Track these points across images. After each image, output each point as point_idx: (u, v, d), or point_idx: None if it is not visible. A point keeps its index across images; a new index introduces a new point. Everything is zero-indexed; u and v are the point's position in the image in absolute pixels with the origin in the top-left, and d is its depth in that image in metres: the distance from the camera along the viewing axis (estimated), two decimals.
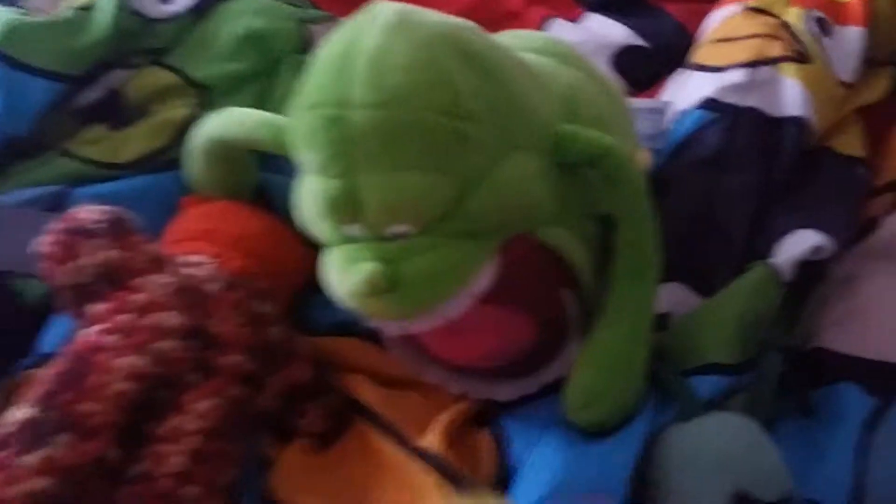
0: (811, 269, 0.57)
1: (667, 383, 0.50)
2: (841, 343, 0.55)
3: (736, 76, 0.65)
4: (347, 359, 0.55)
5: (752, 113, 0.63)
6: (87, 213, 0.51)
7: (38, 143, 0.66)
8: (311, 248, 0.50)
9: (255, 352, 0.50)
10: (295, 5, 0.74)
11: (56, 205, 0.60)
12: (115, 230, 0.50)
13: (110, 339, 0.47)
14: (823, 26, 0.68)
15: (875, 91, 0.69)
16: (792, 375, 0.53)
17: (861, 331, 0.55)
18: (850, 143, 0.66)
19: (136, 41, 0.71)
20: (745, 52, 0.66)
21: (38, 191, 0.61)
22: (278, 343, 0.52)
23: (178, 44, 0.71)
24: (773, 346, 0.53)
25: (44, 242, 0.49)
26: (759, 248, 0.58)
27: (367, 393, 0.53)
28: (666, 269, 0.55)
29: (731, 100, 0.64)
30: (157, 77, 0.69)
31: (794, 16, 0.68)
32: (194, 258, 0.52)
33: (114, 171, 0.65)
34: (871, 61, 0.71)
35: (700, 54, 0.70)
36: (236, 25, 0.70)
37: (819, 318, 0.57)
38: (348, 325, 0.54)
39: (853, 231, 0.61)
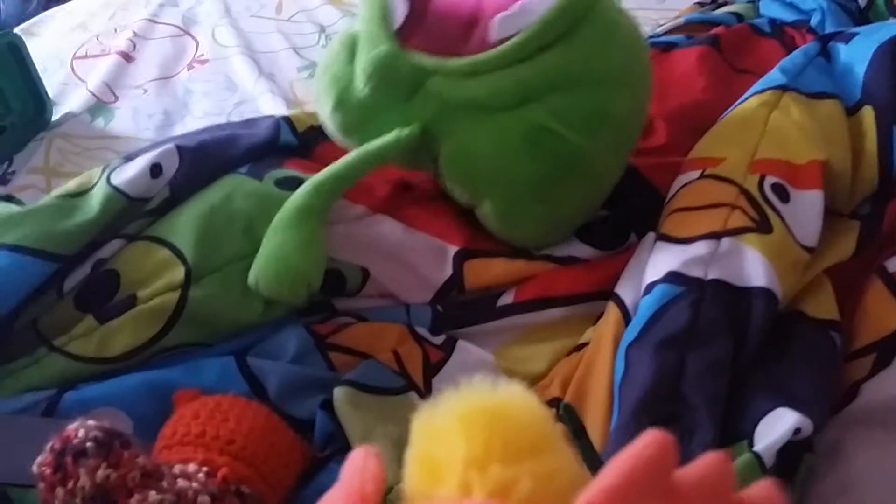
0: (797, 444, 0.56)
1: None
2: None
3: (699, 248, 0.66)
4: None
5: (718, 285, 0.64)
6: (80, 430, 0.52)
7: (29, 334, 0.68)
8: (305, 442, 0.50)
9: None
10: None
11: (50, 410, 0.62)
12: (108, 448, 0.51)
13: None
14: (782, 193, 0.70)
15: (842, 249, 0.70)
16: None
17: None
18: (823, 306, 0.66)
19: (128, 218, 0.73)
20: (707, 223, 0.68)
21: (32, 397, 0.63)
22: None
23: (169, 216, 0.74)
24: None
25: (37, 466, 0.51)
26: (738, 429, 0.58)
27: None
28: None
29: (696, 273, 0.65)
30: (148, 252, 0.71)
31: (752, 183, 0.70)
32: (187, 468, 0.53)
33: (104, 365, 0.66)
34: (836, 215, 0.73)
35: (666, 224, 0.72)
36: (229, 207, 0.73)
37: (810, 492, 0.57)
38: None
39: (833, 401, 0.61)
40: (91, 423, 0.53)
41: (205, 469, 0.54)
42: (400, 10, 0.72)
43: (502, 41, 0.70)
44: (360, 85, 0.73)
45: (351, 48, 0.75)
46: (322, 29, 1.26)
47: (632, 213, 0.78)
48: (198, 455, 0.55)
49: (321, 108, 0.78)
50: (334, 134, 0.77)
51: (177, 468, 0.53)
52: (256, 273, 0.68)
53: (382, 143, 0.72)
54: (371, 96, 0.73)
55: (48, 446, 0.51)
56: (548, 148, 0.71)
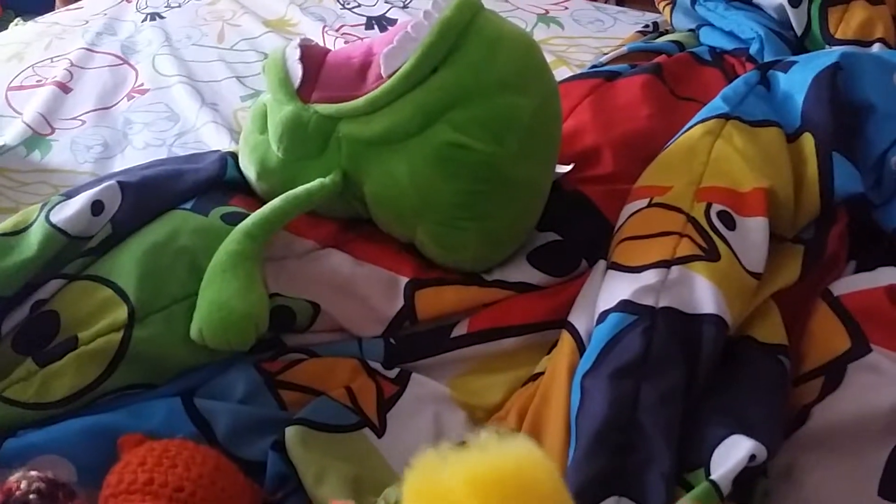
0: (751, 469, 0.56)
1: None
2: None
3: (649, 277, 0.67)
4: None
5: (669, 313, 0.64)
6: (22, 482, 0.50)
7: None
8: (256, 485, 0.49)
9: None
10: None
11: None
12: (52, 499, 0.49)
13: None
14: (727, 220, 0.72)
15: (787, 275, 0.71)
16: None
17: None
18: (771, 331, 0.67)
19: (67, 257, 0.71)
20: (656, 251, 0.69)
21: None
22: None
23: (111, 255, 0.72)
24: None
25: None
26: (693, 457, 0.58)
27: None
28: (601, 483, 0.57)
29: (648, 301, 0.65)
30: (89, 292, 0.69)
31: (699, 211, 0.71)
32: None
33: (45, 410, 0.64)
34: (780, 240, 0.74)
35: (616, 253, 0.72)
36: (174, 244, 0.71)
37: None
38: None
39: (784, 425, 0.61)
40: (33, 473, 0.51)
41: None
42: (297, 70, 0.77)
43: (393, 74, 0.73)
44: (275, 148, 0.75)
45: (263, 117, 0.79)
46: (265, 57, 1.25)
47: (582, 240, 0.78)
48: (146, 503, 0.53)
49: (249, 178, 0.80)
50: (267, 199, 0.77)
51: None
52: (200, 324, 0.67)
53: (307, 187, 0.74)
54: (287, 157, 0.76)
55: None
56: (460, 162, 0.73)
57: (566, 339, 0.69)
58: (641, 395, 0.61)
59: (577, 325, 0.69)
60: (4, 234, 0.71)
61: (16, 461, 0.59)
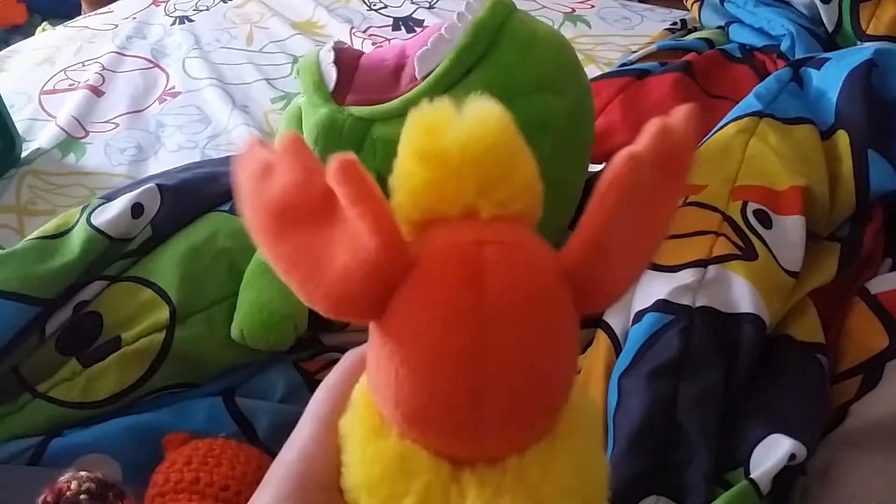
0: (789, 468, 0.56)
1: None
2: None
3: (686, 276, 0.66)
4: None
5: (706, 312, 0.64)
6: (73, 482, 0.51)
7: (11, 380, 0.66)
8: None
9: None
10: None
11: (36, 458, 0.60)
12: (102, 499, 0.50)
13: None
14: (763, 219, 0.72)
15: (824, 273, 0.71)
16: None
17: None
18: (808, 329, 0.67)
19: (109, 259, 0.72)
20: (693, 250, 0.68)
21: (16, 445, 0.61)
22: None
23: (151, 256, 0.73)
24: None
25: None
26: (733, 457, 0.58)
27: None
28: (640, 483, 0.57)
29: (685, 301, 0.65)
30: (131, 293, 0.70)
31: (735, 210, 0.71)
32: None
33: (89, 410, 0.65)
34: (816, 237, 0.74)
35: None
36: (213, 246, 0.72)
37: None
38: None
39: (823, 424, 0.61)
40: (83, 473, 0.52)
41: None
42: (331, 73, 0.77)
43: (427, 76, 0.73)
44: (311, 147, 0.74)
45: (297, 120, 0.79)
46: (294, 59, 1.26)
47: None
48: (193, 503, 0.54)
49: None
50: None
51: None
52: (241, 325, 0.68)
53: None
54: (322, 159, 0.75)
55: (40, 499, 0.50)
56: None
57: (602, 338, 0.69)
58: (680, 395, 0.61)
59: (612, 325, 0.69)
60: (47, 238, 0.72)
61: (62, 460, 0.61)
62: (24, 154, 1.07)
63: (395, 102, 0.74)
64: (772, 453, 0.56)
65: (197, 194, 0.76)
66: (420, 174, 0.37)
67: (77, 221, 0.73)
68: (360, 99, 0.76)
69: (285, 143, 0.38)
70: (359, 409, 0.39)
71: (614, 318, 0.70)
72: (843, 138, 0.78)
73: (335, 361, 0.71)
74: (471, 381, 0.35)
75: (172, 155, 1.06)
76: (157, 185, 0.75)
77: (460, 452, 0.38)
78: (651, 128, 0.37)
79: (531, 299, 0.36)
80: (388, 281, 0.35)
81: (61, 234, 0.72)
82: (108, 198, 0.75)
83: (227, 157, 0.88)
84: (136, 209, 0.73)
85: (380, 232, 0.34)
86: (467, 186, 0.37)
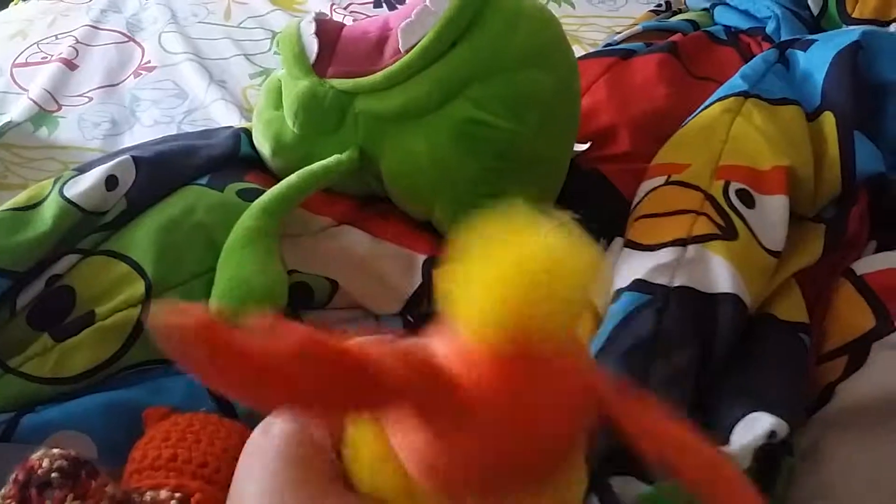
0: (776, 447, 0.56)
1: None
2: None
3: (664, 256, 0.66)
4: None
5: (684, 292, 0.64)
6: (44, 460, 0.49)
7: None
8: None
9: None
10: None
11: (7, 435, 0.58)
12: (74, 478, 0.48)
13: None
14: (746, 199, 0.71)
15: (809, 253, 0.71)
16: None
17: None
18: (792, 309, 0.67)
19: (82, 232, 0.70)
20: (672, 230, 0.68)
21: None
22: None
23: (126, 230, 0.71)
24: None
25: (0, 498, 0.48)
26: (713, 435, 0.56)
27: None
28: (616, 463, 0.56)
29: (661, 280, 0.64)
30: (106, 267, 0.68)
31: (717, 189, 0.70)
32: (159, 494, 0.51)
33: (62, 386, 0.63)
34: (801, 218, 0.74)
35: (632, 230, 0.72)
36: (190, 219, 0.70)
37: (790, 496, 0.57)
38: None
39: (808, 403, 0.61)
40: (55, 451, 0.50)
41: (177, 495, 0.51)
42: (313, 45, 0.76)
43: (411, 49, 0.72)
44: (290, 124, 0.74)
45: (277, 93, 0.78)
46: (273, 35, 1.24)
47: (600, 218, 0.77)
48: (170, 480, 0.52)
49: (263, 154, 0.79)
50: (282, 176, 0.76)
51: (148, 496, 0.51)
52: (218, 300, 0.66)
53: (324, 163, 0.73)
54: (303, 132, 0.75)
55: (11, 477, 0.48)
56: (479, 139, 0.72)
57: (584, 316, 0.68)
58: (651, 373, 0.60)
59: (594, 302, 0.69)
60: (18, 209, 0.70)
61: (34, 438, 0.59)
62: None
63: (377, 75, 0.73)
64: (751, 430, 0.56)
65: (174, 167, 0.74)
66: None
67: (49, 193, 0.71)
68: (341, 71, 0.75)
69: None
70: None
71: (595, 297, 0.69)
72: (829, 120, 0.78)
73: None
74: None
75: (148, 130, 1.04)
76: (133, 156, 0.73)
77: None
78: None
79: None
80: None
81: (33, 205, 0.70)
82: (81, 170, 0.73)
83: (205, 131, 0.86)
84: (111, 181, 0.71)
85: None
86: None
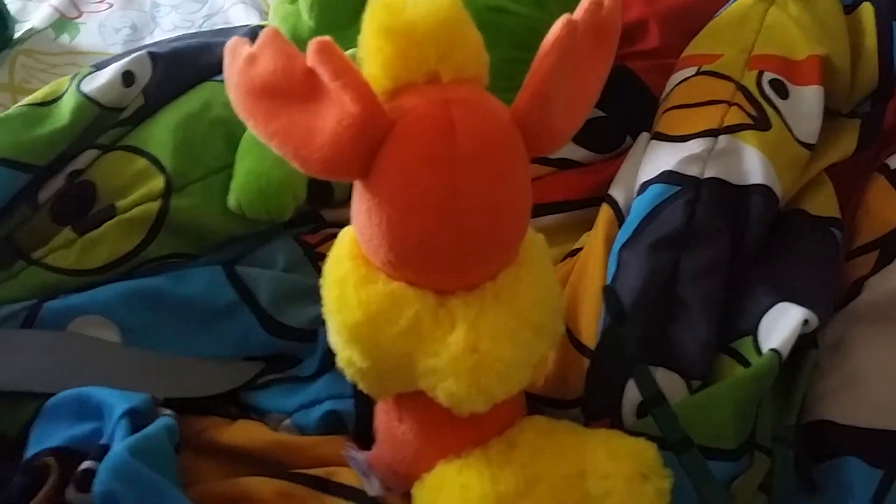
0: (801, 339, 0.55)
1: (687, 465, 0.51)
2: (839, 414, 0.54)
3: (695, 146, 0.64)
4: None
5: (715, 183, 0.62)
6: None
7: (4, 248, 0.65)
8: None
9: None
10: None
11: (30, 321, 0.59)
12: None
13: None
14: (780, 88, 0.68)
15: (842, 148, 0.68)
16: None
17: (859, 400, 0.54)
18: (824, 204, 0.65)
19: (101, 128, 0.70)
20: (703, 120, 0.66)
21: (9, 308, 0.60)
22: None
23: (145, 125, 0.70)
24: (771, 428, 0.53)
25: None
26: (740, 326, 0.57)
27: None
28: (646, 354, 0.56)
29: (693, 171, 0.62)
30: (125, 162, 0.68)
31: (750, 80, 0.68)
32: None
33: (85, 277, 0.64)
34: (836, 114, 0.71)
35: (661, 122, 0.69)
36: (208, 115, 0.69)
37: (815, 388, 0.56)
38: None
39: (835, 296, 0.60)
40: None
41: None
42: None
43: None
44: (306, 17, 0.72)
45: None
46: None
47: (627, 116, 0.75)
48: None
49: None
50: None
51: None
52: (237, 194, 0.66)
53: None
54: (319, 25, 0.72)
55: None
56: (500, 28, 0.70)
57: (604, 210, 0.67)
58: (681, 267, 0.59)
59: (616, 197, 0.67)
60: (36, 105, 0.69)
61: (57, 322, 0.59)
62: (16, 35, 1.03)
63: None
64: (782, 322, 0.55)
65: (191, 63, 0.73)
66: (387, 47, 0.44)
67: (67, 89, 0.70)
68: None
69: (265, 37, 0.45)
70: (346, 263, 0.48)
71: (618, 191, 0.68)
72: (867, 11, 0.74)
73: (335, 236, 0.71)
74: (454, 218, 0.43)
75: (168, 34, 1.02)
76: (149, 52, 0.72)
77: (444, 284, 0.47)
78: (585, 2, 0.48)
79: (495, 145, 0.44)
80: (372, 141, 0.42)
81: (51, 101, 0.69)
82: (99, 66, 0.72)
83: (222, 29, 0.85)
84: (127, 77, 0.70)
85: (361, 100, 0.41)
86: (429, 54, 0.43)
